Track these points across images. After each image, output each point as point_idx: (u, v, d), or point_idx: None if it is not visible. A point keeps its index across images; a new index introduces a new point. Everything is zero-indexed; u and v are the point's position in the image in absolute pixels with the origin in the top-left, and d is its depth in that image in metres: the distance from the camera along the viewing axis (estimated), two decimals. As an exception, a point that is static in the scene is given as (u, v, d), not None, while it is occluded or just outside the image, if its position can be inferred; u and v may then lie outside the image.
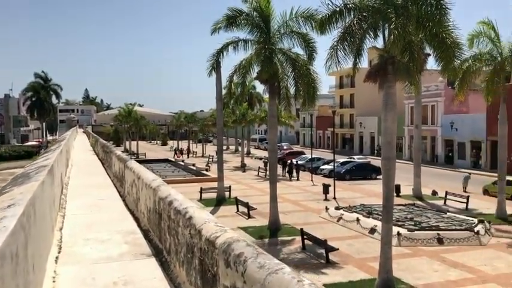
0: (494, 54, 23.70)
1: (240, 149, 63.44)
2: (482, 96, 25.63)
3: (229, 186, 31.37)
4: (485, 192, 31.47)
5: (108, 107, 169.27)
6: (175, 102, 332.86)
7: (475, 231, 19.60)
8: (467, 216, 23.28)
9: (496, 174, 27.38)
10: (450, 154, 51.84)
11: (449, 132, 51.12)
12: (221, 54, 24.38)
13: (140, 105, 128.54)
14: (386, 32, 14.27)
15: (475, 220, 21.48)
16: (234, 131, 75.53)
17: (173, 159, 57.14)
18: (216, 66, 26.50)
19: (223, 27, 22.26)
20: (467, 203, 26.54)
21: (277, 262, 3.06)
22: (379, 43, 14.83)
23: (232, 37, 22.82)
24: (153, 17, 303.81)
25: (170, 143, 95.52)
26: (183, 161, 54.89)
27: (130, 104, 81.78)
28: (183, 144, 77.31)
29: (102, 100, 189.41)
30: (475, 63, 23.82)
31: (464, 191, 31.40)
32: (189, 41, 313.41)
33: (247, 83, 27.02)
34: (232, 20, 21.95)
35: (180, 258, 5.32)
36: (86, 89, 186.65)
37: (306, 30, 20.93)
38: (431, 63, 20.91)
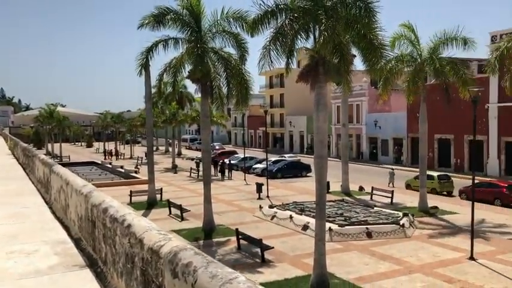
0: (415, 55, 25.12)
1: (170, 149, 62.30)
2: (404, 96, 27.12)
3: (161, 189, 30.65)
4: (408, 186, 33.35)
5: (28, 108, 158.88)
6: (100, 102, 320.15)
7: (401, 224, 20.65)
8: (392, 210, 24.49)
9: (417, 169, 29.10)
10: (374, 151, 54.38)
11: (373, 130, 53.60)
12: (151, 52, 23.68)
13: (62, 106, 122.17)
14: (317, 33, 14.57)
15: (400, 214, 22.63)
16: (164, 132, 74.03)
17: (100, 162, 54.84)
18: (145, 65, 25.72)
19: (150, 26, 21.59)
20: (391, 197, 27.94)
21: (230, 271, 2.92)
22: (311, 44, 15.12)
23: (162, 35, 22.25)
24: (76, 14, 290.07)
25: (96, 144, 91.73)
26: (110, 163, 52.83)
27: (52, 104, 77.46)
28: (110, 146, 74.45)
29: (20, 100, 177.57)
30: (398, 64, 25.12)
31: (391, 186, 33.10)
32: (114, 39, 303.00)
33: (177, 82, 26.49)
34: (160, 18, 21.36)
35: (118, 268, 5.00)
36: (1, 89, 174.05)
37: (238, 30, 20.90)
38: (355, 64, 21.67)
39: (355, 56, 17.38)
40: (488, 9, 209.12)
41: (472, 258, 16.53)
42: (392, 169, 36.57)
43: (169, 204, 25.73)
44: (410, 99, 25.97)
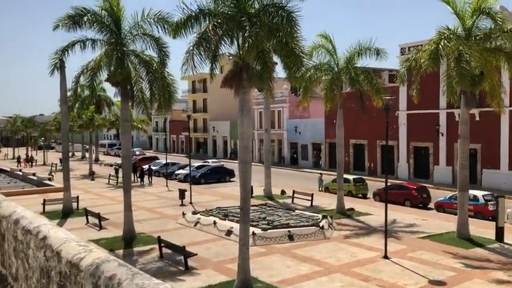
0: (332, 65, 26.25)
1: (87, 155, 59.50)
2: (322, 103, 28.20)
3: (77, 197, 29.12)
4: (326, 189, 34.68)
5: None
6: (10, 105, 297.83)
7: (320, 226, 21.38)
8: (312, 212, 25.30)
9: (334, 173, 30.34)
10: (295, 155, 55.94)
11: (294, 135, 55.15)
12: (66, 52, 22.49)
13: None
14: (240, 40, 14.71)
15: (320, 216, 23.44)
16: (81, 137, 70.55)
17: (8, 169, 50.94)
18: (60, 66, 24.37)
19: (66, 27, 20.51)
20: (311, 200, 28.87)
21: (157, 282, 2.84)
22: (235, 50, 15.22)
23: (80, 36, 21.21)
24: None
25: (4, 150, 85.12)
26: (20, 170, 49.29)
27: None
28: (21, 152, 69.46)
29: None
30: (316, 73, 26.12)
31: (321, 190, 34.38)
32: (24, 36, 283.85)
33: (95, 85, 25.42)
34: (76, 19, 20.35)
35: (31, 284, 4.66)
36: None
37: (160, 33, 20.48)
38: (276, 71, 22.19)
39: (276, 63, 17.76)
40: (401, 21, 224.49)
41: (386, 257, 17.51)
42: (321, 174, 37.95)
43: (87, 212, 24.52)
44: (328, 106, 27.05)
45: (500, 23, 18.56)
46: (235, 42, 15.03)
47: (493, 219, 21.42)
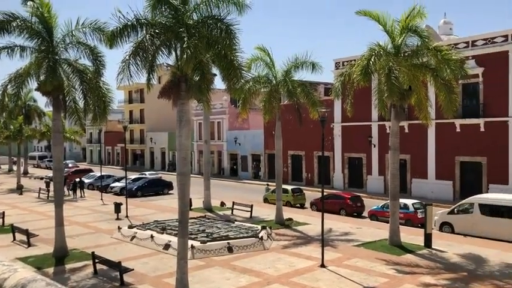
0: (270, 77, 26.72)
1: (15, 168, 56.17)
2: (261, 115, 28.57)
3: (3, 212, 27.36)
4: (266, 200, 35.01)
5: None
6: None
7: (259, 237, 21.50)
8: (252, 223, 25.41)
9: (273, 184, 30.73)
10: (235, 167, 56.05)
11: (234, 146, 55.32)
12: (-10, 60, 21.18)
13: None
14: (179, 51, 14.61)
15: (259, 227, 23.58)
16: (8, 148, 66.48)
17: None
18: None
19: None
20: (251, 211, 29.01)
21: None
22: (173, 60, 15.09)
23: (7, 42, 20.06)
24: None
25: None
26: None
27: None
28: None
29: None
30: (255, 85, 26.47)
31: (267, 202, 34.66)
32: None
33: (23, 95, 24.12)
34: (3, 25, 19.22)
35: None
36: None
37: (95, 42, 19.82)
38: (215, 83, 22.27)
39: (215, 74, 17.82)
40: (338, 36, 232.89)
41: (323, 265, 17.90)
42: (268, 185, 38.26)
43: (13, 229, 23.05)
44: (267, 118, 27.46)
45: (426, 41, 19.80)
46: (174, 53, 14.92)
47: (422, 226, 22.58)
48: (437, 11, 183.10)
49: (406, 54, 20.56)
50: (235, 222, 25.63)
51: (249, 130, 54.83)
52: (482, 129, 32.86)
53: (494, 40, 32.31)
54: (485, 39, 32.90)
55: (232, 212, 30.23)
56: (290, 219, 26.99)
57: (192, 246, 19.16)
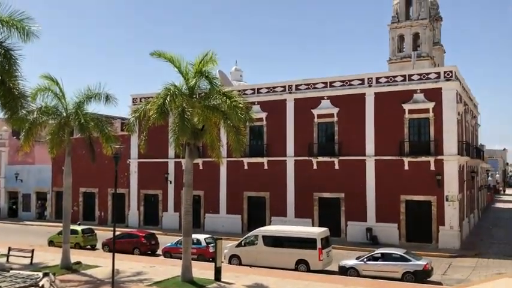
0: (60, 109, 24.82)
1: None
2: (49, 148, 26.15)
3: None
4: (51, 243, 31.74)
5: None
6: None
7: (40, 286, 19.12)
8: (32, 271, 22.50)
9: (61, 224, 28.10)
10: (14, 206, 49.68)
11: (14, 183, 49.22)
12: None
13: None
14: None
15: (40, 274, 21.02)
16: None
17: None
18: None
19: None
20: (31, 257, 25.81)
21: None
22: None
23: None
24: None
25: None
26: None
27: None
28: None
29: None
30: (41, 116, 24.21)
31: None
32: None
33: None
34: None
35: None
36: None
37: None
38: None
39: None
40: (132, 74, 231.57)
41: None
42: (79, 223, 34.84)
43: None
44: (54, 152, 25.30)
45: (216, 86, 21.26)
46: None
47: (213, 260, 23.48)
48: (232, 59, 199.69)
49: (200, 95, 21.68)
50: (11, 271, 22.30)
51: (34, 165, 49.54)
52: (266, 167, 36.51)
53: (275, 90, 36.78)
54: (268, 87, 37.20)
55: (7, 260, 26.38)
56: (78, 262, 24.92)
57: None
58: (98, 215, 43.98)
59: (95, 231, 33.03)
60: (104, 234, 33.83)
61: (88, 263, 25.43)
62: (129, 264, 25.10)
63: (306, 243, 24.16)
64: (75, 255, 25.99)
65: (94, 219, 43.52)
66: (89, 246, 31.34)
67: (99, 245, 31.36)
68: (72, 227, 28.40)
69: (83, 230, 31.75)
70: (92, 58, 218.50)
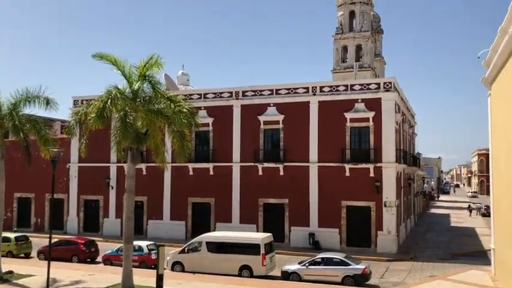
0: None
1: None
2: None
3: None
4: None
5: None
6: None
7: (-33, 297, 18.05)
8: (-42, 281, 21.14)
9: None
10: None
11: None
12: None
13: None
14: None
15: (-33, 285, 19.81)
16: None
17: None
18: None
19: None
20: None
21: None
22: None
23: None
24: None
25: None
26: None
27: None
28: None
29: None
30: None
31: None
32: None
33: None
34: None
35: None
36: None
37: None
38: None
39: None
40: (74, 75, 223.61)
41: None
42: (15, 230, 32.89)
43: None
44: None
45: (159, 91, 20.90)
46: None
47: (155, 268, 23.02)
48: (179, 62, 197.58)
49: (144, 99, 21.25)
50: None
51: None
52: (211, 172, 36.37)
53: (221, 95, 36.81)
54: (214, 92, 37.16)
55: None
56: (10, 271, 23.62)
57: None
58: (34, 222, 41.95)
59: (30, 238, 31.48)
60: (40, 241, 32.31)
61: (21, 272, 24.16)
62: (66, 272, 24.12)
63: (250, 248, 24.28)
64: (7, 264, 24.65)
65: (30, 226, 41.48)
66: (22, 255, 29.81)
67: (34, 253, 29.91)
68: (5, 234, 26.96)
69: (16, 238, 30.16)
70: (32, 59, 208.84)
